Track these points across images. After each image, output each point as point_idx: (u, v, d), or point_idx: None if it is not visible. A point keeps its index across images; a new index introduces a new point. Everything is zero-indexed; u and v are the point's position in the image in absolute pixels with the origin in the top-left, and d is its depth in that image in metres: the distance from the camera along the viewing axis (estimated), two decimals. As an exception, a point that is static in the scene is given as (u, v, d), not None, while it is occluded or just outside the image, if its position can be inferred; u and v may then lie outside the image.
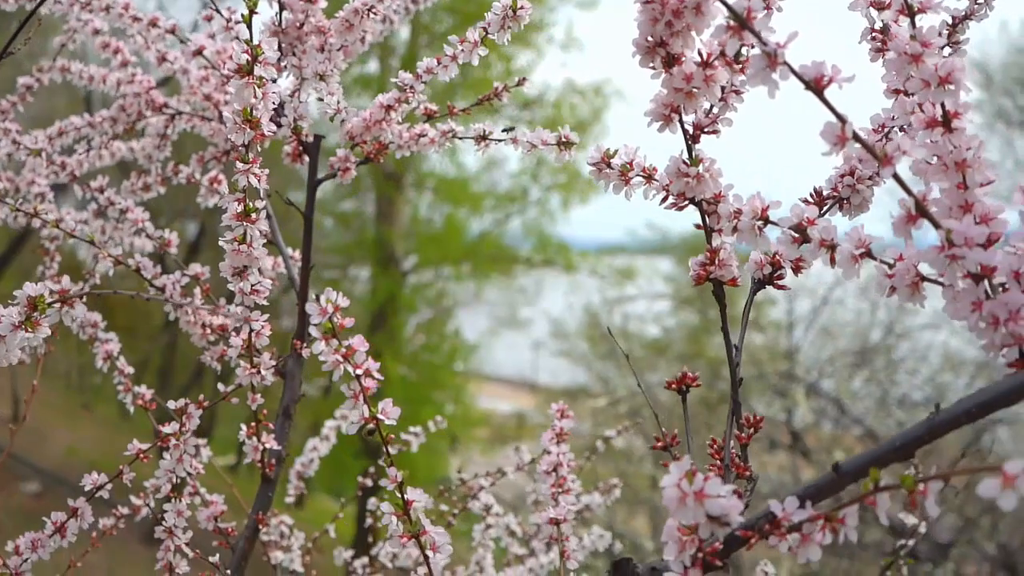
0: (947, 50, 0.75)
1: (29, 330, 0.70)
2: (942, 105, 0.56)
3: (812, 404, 6.59)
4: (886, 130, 0.72)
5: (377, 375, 0.66)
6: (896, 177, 0.53)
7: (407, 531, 0.68)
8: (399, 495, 0.68)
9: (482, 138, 0.98)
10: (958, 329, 8.06)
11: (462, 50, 0.91)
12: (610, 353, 9.04)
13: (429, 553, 0.68)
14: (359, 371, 0.65)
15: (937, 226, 0.53)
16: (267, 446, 1.01)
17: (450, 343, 11.71)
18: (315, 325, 0.64)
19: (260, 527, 1.03)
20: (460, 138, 1.00)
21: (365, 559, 1.41)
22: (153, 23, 1.15)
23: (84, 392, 11.69)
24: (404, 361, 10.77)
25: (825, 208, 0.72)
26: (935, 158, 0.57)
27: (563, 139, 0.90)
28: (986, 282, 0.55)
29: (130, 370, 1.15)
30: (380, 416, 0.66)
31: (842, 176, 0.71)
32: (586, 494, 1.67)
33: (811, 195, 0.72)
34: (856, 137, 0.53)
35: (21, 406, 8.18)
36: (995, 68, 8.83)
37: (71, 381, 11.95)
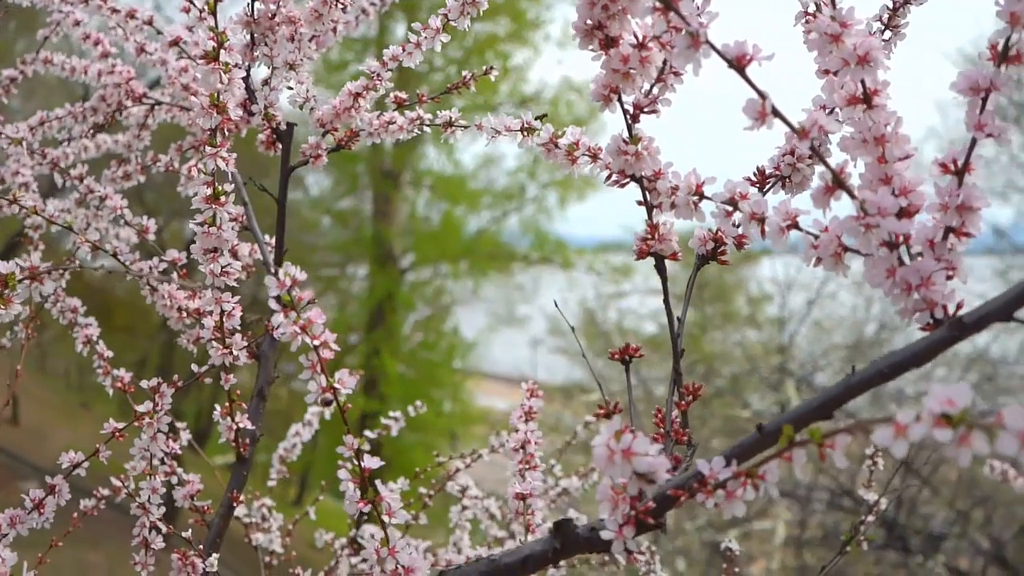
0: (887, 33, 0.78)
1: (1, 306, 0.73)
2: (862, 82, 0.59)
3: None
4: (826, 111, 0.75)
5: (334, 346, 0.69)
6: (814, 150, 0.56)
7: (364, 497, 0.71)
8: (356, 463, 0.71)
9: (448, 125, 1.01)
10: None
11: (425, 37, 0.95)
12: (606, 350, 9.05)
13: (385, 518, 0.70)
14: (317, 342, 0.68)
15: (853, 196, 0.56)
16: (241, 426, 1.04)
17: (448, 341, 11.75)
18: (273, 297, 0.67)
19: (235, 504, 1.06)
20: (428, 125, 1.03)
21: (344, 540, 1.44)
22: (131, 15, 1.18)
23: (83, 391, 11.72)
24: (402, 359, 10.81)
25: (767, 186, 0.75)
26: (859, 134, 0.60)
27: (526, 125, 0.93)
28: (903, 249, 0.57)
29: (109, 354, 1.18)
30: (337, 386, 0.69)
31: (783, 155, 0.74)
32: (565, 478, 1.70)
33: (754, 174, 0.75)
34: (776, 112, 0.55)
35: (20, 407, 8.21)
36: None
37: (70, 380, 11.99)
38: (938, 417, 0.42)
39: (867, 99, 0.59)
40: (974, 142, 0.57)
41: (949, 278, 0.56)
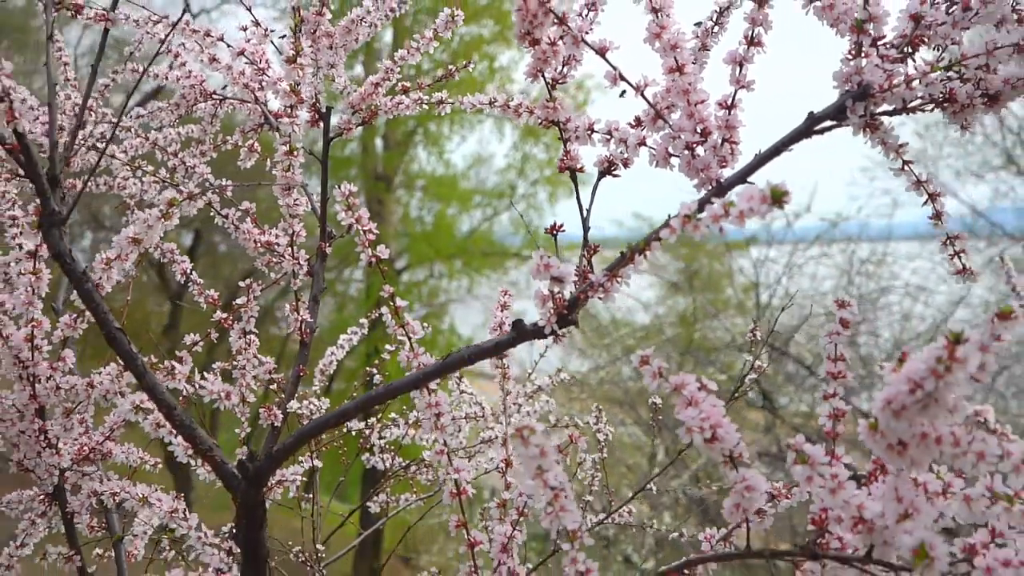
0: (716, 28, 1.22)
1: (167, 219, 1.17)
2: (675, 59, 1.03)
3: (785, 368, 7.11)
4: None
5: (375, 231, 1.13)
6: (644, 96, 1.01)
7: (397, 323, 1.15)
8: (392, 303, 1.15)
9: (441, 102, 1.46)
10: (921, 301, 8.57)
11: (422, 43, 1.40)
12: (600, 337, 9.54)
13: (411, 335, 1.15)
14: (366, 228, 1.13)
15: (666, 122, 1.01)
16: (304, 319, 1.48)
17: (446, 339, 12.16)
18: (338, 201, 1.11)
19: (301, 375, 1.50)
20: (427, 104, 1.48)
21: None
22: (207, 33, 1.62)
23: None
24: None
25: (642, 128, 1.19)
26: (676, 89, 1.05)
27: (492, 100, 1.37)
28: (699, 150, 1.02)
29: (200, 282, 1.62)
30: (379, 254, 1.13)
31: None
32: (539, 378, 2.13)
33: (634, 119, 1.19)
34: (621, 77, 1.00)
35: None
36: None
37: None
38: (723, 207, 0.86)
39: (679, 69, 1.03)
40: (736, 92, 1.02)
41: (723, 167, 1.01)
